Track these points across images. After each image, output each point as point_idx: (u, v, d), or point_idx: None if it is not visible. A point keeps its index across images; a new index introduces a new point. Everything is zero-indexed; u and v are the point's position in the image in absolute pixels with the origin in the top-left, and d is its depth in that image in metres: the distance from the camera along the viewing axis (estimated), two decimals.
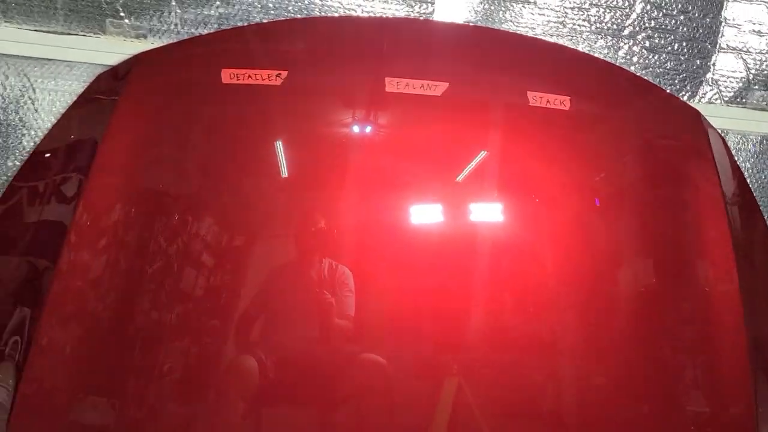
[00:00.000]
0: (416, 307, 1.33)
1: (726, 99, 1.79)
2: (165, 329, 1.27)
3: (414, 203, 1.41)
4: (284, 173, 1.39)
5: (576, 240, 1.42)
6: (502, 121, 1.48)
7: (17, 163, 1.45)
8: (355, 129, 1.46)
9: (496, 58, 1.53)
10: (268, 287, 1.33)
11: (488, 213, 1.42)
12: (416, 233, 1.40)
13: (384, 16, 1.63)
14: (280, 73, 1.42)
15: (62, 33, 1.48)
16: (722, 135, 1.55)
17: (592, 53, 1.65)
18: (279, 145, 1.43)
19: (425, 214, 1.43)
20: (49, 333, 1.27)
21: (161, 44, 1.49)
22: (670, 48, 1.71)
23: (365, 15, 1.62)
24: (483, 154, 1.45)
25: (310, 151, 1.44)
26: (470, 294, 1.35)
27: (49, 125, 1.45)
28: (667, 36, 1.70)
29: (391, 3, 1.63)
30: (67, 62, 1.48)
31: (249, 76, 1.41)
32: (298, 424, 1.27)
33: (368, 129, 1.45)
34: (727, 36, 1.74)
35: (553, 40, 1.69)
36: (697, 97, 1.76)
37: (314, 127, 1.45)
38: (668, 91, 1.68)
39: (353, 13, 1.61)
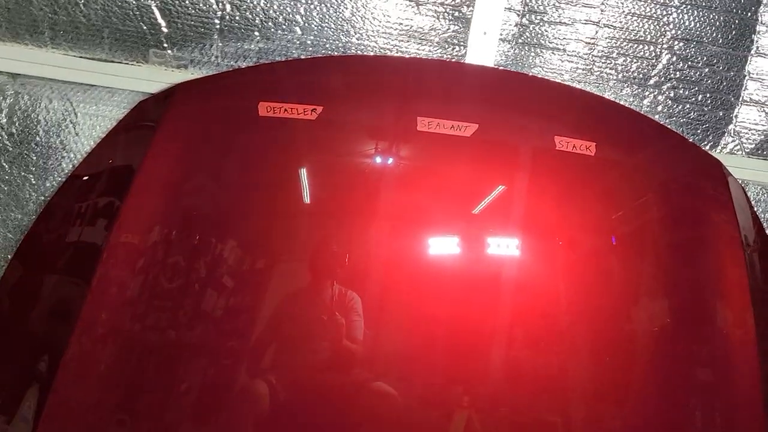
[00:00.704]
0: (430, 339, 1.35)
1: (747, 150, 1.82)
2: (184, 351, 1.30)
3: (433, 236, 1.43)
4: (308, 202, 1.43)
5: (594, 282, 1.44)
6: (528, 164, 1.52)
7: (55, 185, 1.48)
8: (383, 164, 1.49)
9: (524, 102, 1.57)
10: (286, 312, 1.36)
11: (505, 249, 1.45)
12: (435, 267, 1.42)
13: (418, 57, 1.68)
14: (315, 108, 1.46)
15: (106, 60, 1.52)
16: (742, 185, 1.58)
17: (618, 101, 1.68)
18: (306, 176, 1.47)
19: (444, 248, 1.45)
20: (79, 351, 1.30)
21: (202, 75, 1.54)
22: (693, 99, 1.75)
23: (400, 56, 1.67)
24: (502, 191, 1.48)
25: (336, 183, 1.47)
26: (484, 329, 1.37)
27: (88, 149, 1.49)
28: (691, 87, 1.74)
29: (425, 45, 1.68)
30: (109, 89, 1.52)
31: (285, 110, 1.45)
32: None
33: (395, 165, 1.48)
34: (750, 89, 1.78)
35: (580, 87, 1.73)
36: (719, 148, 1.79)
37: (343, 161, 1.49)
38: (691, 140, 1.71)
39: (388, 53, 1.66)
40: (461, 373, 1.33)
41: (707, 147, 1.77)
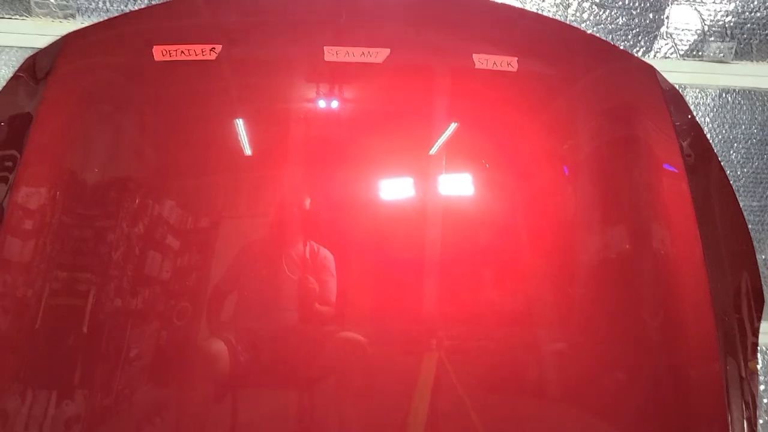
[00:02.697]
0: (391, 285, 1.31)
1: (682, 53, 1.74)
2: (126, 315, 1.25)
3: (379, 179, 1.37)
4: (238, 150, 1.36)
5: (534, 206, 1.39)
6: (447, 86, 1.45)
7: None
8: (294, 102, 1.42)
9: (437, 21, 1.49)
10: (233, 270, 1.31)
11: (454, 183, 1.39)
12: (384, 210, 1.37)
13: None
14: (214, 48, 1.38)
15: None
16: (680, 90, 1.52)
17: (540, 12, 1.60)
18: (217, 122, 1.39)
19: (392, 190, 1.40)
20: None
21: (90, 23, 1.45)
22: (621, 2, 1.66)
23: None
24: (447, 124, 1.41)
25: (253, 128, 1.40)
26: (442, 268, 1.33)
27: None
28: None
29: None
30: None
31: (182, 52, 1.37)
32: (276, 405, 1.25)
33: (306, 101, 1.41)
34: None
35: (497, 0, 1.64)
36: (652, 52, 1.71)
37: (250, 102, 1.41)
38: (621, 47, 1.64)
39: None
40: (428, 316, 1.29)
41: (640, 53, 1.69)
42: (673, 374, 1.31)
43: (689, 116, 1.50)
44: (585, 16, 1.62)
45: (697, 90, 1.78)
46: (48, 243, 1.27)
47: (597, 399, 1.30)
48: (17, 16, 1.45)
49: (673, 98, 1.51)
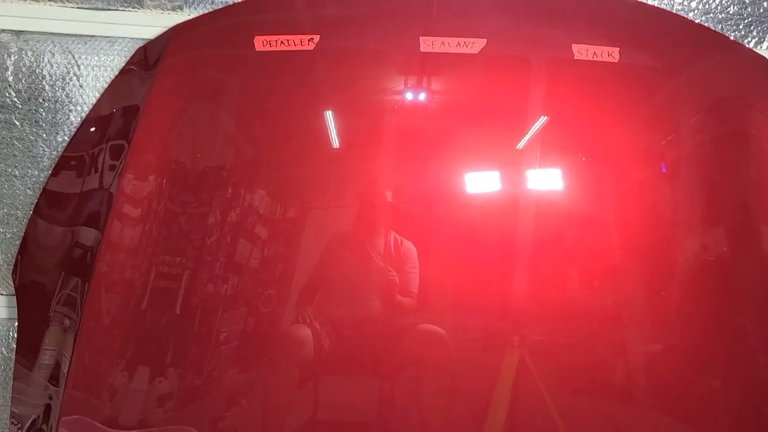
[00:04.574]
0: (477, 279, 1.30)
1: None
2: (219, 298, 1.30)
3: (470, 172, 1.37)
4: (329, 141, 1.39)
5: (640, 206, 1.35)
6: (544, 77, 1.42)
7: (66, 138, 1.50)
8: (391, 94, 1.43)
9: (535, 10, 1.46)
10: (320, 259, 1.33)
11: (549, 178, 1.37)
12: (474, 203, 1.36)
13: None
14: (312, 38, 1.40)
15: (102, 9, 1.51)
16: None
17: (645, 1, 1.54)
18: (314, 113, 1.42)
19: (483, 183, 1.39)
20: (100, 301, 1.33)
21: (196, 14, 1.50)
22: None
23: None
24: (542, 117, 1.39)
25: (346, 118, 1.42)
26: (532, 263, 1.31)
27: (94, 100, 1.49)
28: None
29: None
30: (108, 38, 1.51)
31: (281, 42, 1.41)
32: (353, 395, 1.27)
33: (405, 93, 1.41)
34: None
35: None
36: (766, 43, 1.61)
37: (347, 93, 1.43)
38: (732, 38, 1.55)
39: None
40: (513, 312, 1.28)
41: (751, 44, 1.59)
42: None
43: None
44: (693, 4, 1.54)
45: None
46: (152, 228, 1.34)
47: (689, 407, 1.25)
48: (129, 8, 1.52)
49: None
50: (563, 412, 1.24)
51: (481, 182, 1.38)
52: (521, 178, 1.35)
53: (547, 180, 1.36)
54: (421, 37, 1.41)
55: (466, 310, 1.31)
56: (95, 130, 1.44)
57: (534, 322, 1.29)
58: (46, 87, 1.49)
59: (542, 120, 1.37)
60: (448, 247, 1.35)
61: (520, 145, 1.36)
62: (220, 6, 1.51)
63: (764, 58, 1.47)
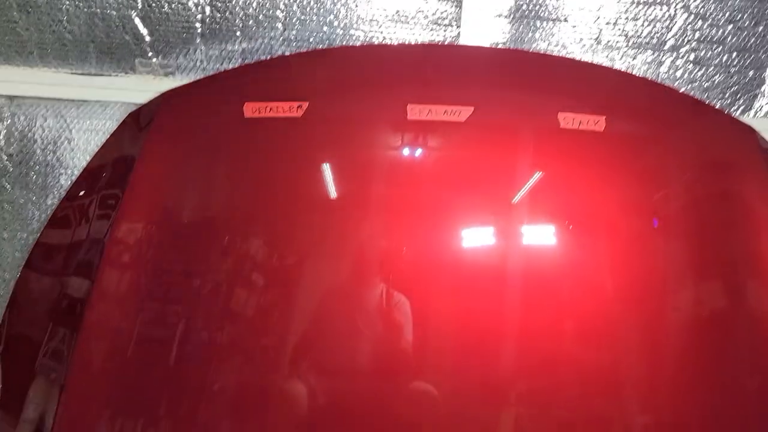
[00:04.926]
0: (471, 335, 1.29)
1: None
2: (210, 350, 1.29)
3: (459, 234, 1.37)
4: (319, 201, 1.39)
5: (631, 266, 1.35)
6: (530, 145, 1.43)
7: (56, 201, 1.51)
8: (377, 157, 1.44)
9: (522, 79, 1.48)
10: (314, 313, 1.33)
11: (539, 240, 1.37)
12: (465, 264, 1.36)
13: (404, 43, 1.62)
14: (300, 105, 1.42)
15: (95, 74, 1.54)
16: None
17: (630, 71, 1.56)
18: (297, 175, 1.43)
19: (473, 244, 1.39)
20: (89, 352, 1.32)
21: (188, 80, 1.53)
22: (718, 60, 1.60)
23: (387, 42, 1.61)
24: (529, 183, 1.40)
25: (336, 181, 1.43)
26: (525, 322, 1.30)
27: (84, 163, 1.51)
28: (714, 47, 1.59)
29: (415, 29, 1.61)
30: (101, 102, 1.54)
31: (270, 109, 1.42)
32: None
33: (392, 157, 1.43)
34: None
35: (588, 58, 1.62)
36: (752, 112, 1.63)
37: (333, 158, 1.44)
38: (718, 106, 1.57)
39: (375, 41, 1.60)
40: (509, 371, 1.27)
41: (738, 112, 1.62)
42: None
43: None
44: (678, 74, 1.57)
45: None
46: (143, 278, 1.34)
47: None
48: (122, 74, 1.55)
49: None
50: None
51: (471, 244, 1.38)
52: (511, 240, 1.35)
53: (536, 242, 1.36)
54: (408, 105, 1.43)
55: (459, 368, 1.30)
56: (89, 183, 1.46)
57: (528, 380, 1.28)
58: (38, 151, 1.51)
59: (529, 186, 1.38)
60: (441, 305, 1.34)
61: (509, 208, 1.36)
62: (212, 72, 1.53)
63: (750, 126, 1.48)
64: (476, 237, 1.39)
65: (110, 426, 1.26)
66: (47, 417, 1.29)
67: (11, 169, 1.50)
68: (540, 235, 1.38)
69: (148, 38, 1.54)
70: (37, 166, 1.51)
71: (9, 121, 1.50)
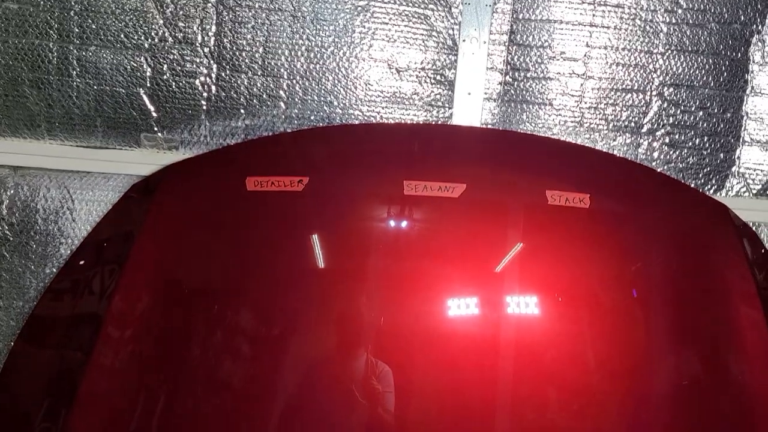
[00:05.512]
0: (455, 406, 1.31)
1: (755, 191, 1.76)
2: (203, 423, 1.29)
3: (448, 305, 1.41)
4: (315, 271, 1.43)
5: (609, 337, 1.40)
6: (520, 221, 1.50)
7: (54, 271, 1.52)
8: (374, 230, 1.49)
9: (512, 158, 1.56)
10: (302, 382, 1.34)
11: (524, 311, 1.42)
12: (451, 335, 1.39)
13: (402, 122, 1.70)
14: (301, 179, 1.48)
15: (101, 147, 1.58)
16: (753, 227, 1.52)
17: (611, 151, 1.66)
18: (300, 248, 1.47)
19: (460, 316, 1.43)
20: (82, 426, 1.30)
21: (191, 155, 1.58)
22: (691, 143, 1.71)
23: (385, 122, 1.69)
24: (515, 255, 1.46)
25: (332, 253, 1.47)
26: (509, 392, 1.33)
27: (85, 233, 1.53)
28: (687, 131, 1.71)
29: (410, 109, 1.70)
30: (104, 174, 1.58)
31: (272, 183, 1.47)
32: None
33: (388, 230, 1.48)
34: (750, 129, 1.73)
35: (571, 139, 1.72)
36: (724, 191, 1.74)
37: (333, 231, 1.49)
38: (693, 185, 1.67)
39: (373, 121, 1.68)
40: None
41: (711, 191, 1.72)
42: None
43: (763, 251, 1.50)
44: (655, 155, 1.67)
45: None
46: (139, 351, 1.34)
47: None
48: (127, 147, 1.59)
49: (746, 235, 1.52)
50: None
51: (458, 313, 1.42)
52: (497, 311, 1.39)
53: (522, 312, 1.41)
54: (404, 181, 1.49)
55: None
56: (89, 255, 1.46)
57: None
58: (39, 221, 1.53)
59: (517, 258, 1.44)
60: (430, 378, 1.37)
61: (498, 282, 1.41)
62: (215, 147, 1.59)
63: (723, 204, 1.57)
64: (468, 307, 1.43)
65: None
66: None
67: (11, 239, 1.51)
68: (526, 306, 1.43)
69: (154, 114, 1.60)
70: (38, 236, 1.53)
71: (12, 191, 1.52)
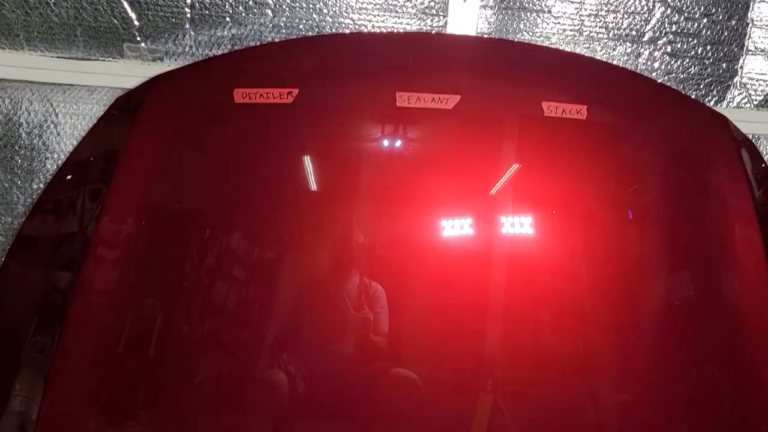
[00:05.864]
0: (449, 325, 1.32)
1: (756, 103, 1.72)
2: (193, 342, 1.30)
3: (442, 220, 1.40)
4: (306, 188, 1.41)
5: (604, 254, 1.39)
6: (515, 133, 1.46)
7: (41, 186, 1.50)
8: (365, 146, 1.46)
9: (508, 69, 1.51)
10: (294, 303, 1.35)
11: (519, 227, 1.41)
12: (446, 249, 1.39)
13: (394, 31, 1.64)
14: (291, 91, 1.43)
15: (82, 58, 1.53)
16: (753, 140, 1.49)
17: (611, 61, 1.61)
18: (291, 161, 1.44)
19: (454, 231, 1.42)
20: (73, 345, 1.31)
21: (177, 66, 1.53)
22: (693, 52, 1.66)
23: (376, 31, 1.63)
24: (514, 170, 1.43)
25: (324, 167, 1.45)
26: (503, 309, 1.33)
27: (71, 148, 1.50)
28: (690, 40, 1.65)
29: (403, 17, 1.64)
30: (87, 87, 1.53)
31: (260, 95, 1.43)
32: None
33: (380, 144, 1.45)
34: (755, 38, 1.67)
35: (569, 49, 1.66)
36: (725, 102, 1.70)
37: (324, 145, 1.46)
38: (693, 96, 1.63)
39: (365, 29, 1.62)
40: (484, 356, 1.30)
41: (712, 103, 1.68)
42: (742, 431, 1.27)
43: (763, 165, 1.48)
44: (656, 65, 1.62)
45: None
46: (127, 271, 1.34)
47: None
48: (110, 59, 1.54)
49: (746, 148, 1.49)
50: None
51: (452, 230, 1.41)
52: (492, 227, 1.38)
53: (517, 229, 1.40)
54: (397, 93, 1.45)
55: (438, 354, 1.32)
56: (74, 174, 1.44)
57: (506, 366, 1.31)
58: (23, 135, 1.49)
59: (512, 172, 1.41)
60: (420, 293, 1.37)
61: (492, 196, 1.39)
62: (200, 59, 1.53)
63: (724, 116, 1.54)
64: (459, 224, 1.41)
65: (95, 417, 1.26)
66: (32, 409, 1.29)
67: None
68: (520, 220, 1.41)
69: (136, 23, 1.54)
70: (23, 150, 1.50)
71: None
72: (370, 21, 1.63)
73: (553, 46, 1.66)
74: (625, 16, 1.64)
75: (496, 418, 1.26)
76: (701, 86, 1.66)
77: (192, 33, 1.56)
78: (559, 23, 1.67)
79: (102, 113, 1.49)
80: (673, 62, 1.63)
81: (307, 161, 1.44)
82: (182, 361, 1.28)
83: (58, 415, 1.25)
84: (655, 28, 1.64)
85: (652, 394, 1.30)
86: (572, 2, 1.66)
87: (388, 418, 1.28)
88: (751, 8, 1.66)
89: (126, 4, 1.53)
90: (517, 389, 1.29)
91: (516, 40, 1.67)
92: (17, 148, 1.49)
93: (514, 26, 1.66)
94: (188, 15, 1.55)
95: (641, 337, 1.35)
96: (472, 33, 1.65)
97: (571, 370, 1.31)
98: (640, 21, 1.64)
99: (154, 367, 1.28)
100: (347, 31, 1.62)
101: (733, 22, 1.66)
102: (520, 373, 1.30)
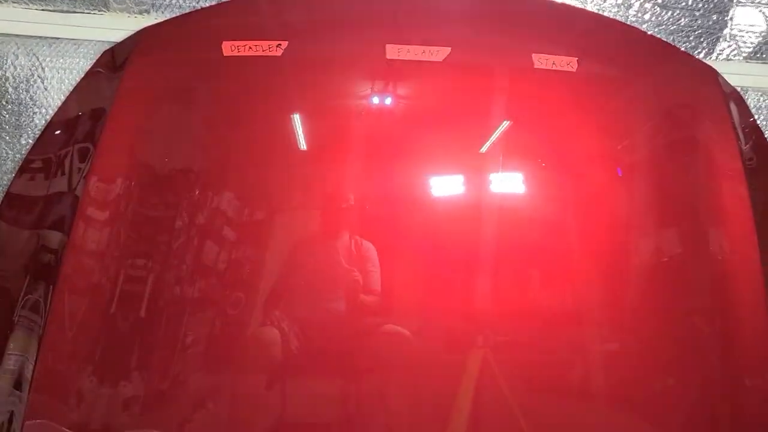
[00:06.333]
0: (439, 280, 1.33)
1: (745, 55, 1.72)
2: (185, 301, 1.30)
3: (432, 175, 1.40)
4: (296, 145, 1.40)
5: (592, 209, 1.40)
6: (505, 85, 1.46)
7: (30, 141, 1.49)
8: (357, 98, 1.45)
9: (498, 20, 1.50)
10: (286, 261, 1.35)
11: (509, 181, 1.41)
12: (436, 206, 1.39)
13: None
14: (280, 44, 1.42)
15: (67, 11, 1.51)
16: (741, 93, 1.50)
17: (601, 12, 1.60)
18: (281, 117, 1.44)
19: (444, 187, 1.42)
20: (65, 304, 1.32)
21: (164, 19, 1.51)
22: (684, 4, 1.65)
23: None
24: (504, 123, 1.43)
25: (312, 122, 1.44)
26: (493, 264, 1.34)
27: (59, 102, 1.48)
28: None
29: None
30: (73, 40, 1.51)
31: (249, 48, 1.42)
32: (321, 396, 1.28)
33: (370, 98, 1.44)
34: None
35: (558, 0, 1.65)
36: (714, 55, 1.70)
37: (314, 98, 1.45)
38: (683, 49, 1.63)
39: None
40: (474, 312, 1.31)
41: (701, 55, 1.67)
42: (727, 383, 1.30)
43: (751, 119, 1.48)
44: (647, 17, 1.61)
45: (760, 93, 1.75)
46: (118, 231, 1.33)
47: (646, 404, 1.29)
48: (95, 11, 1.52)
49: (734, 101, 1.49)
50: (526, 410, 1.27)
51: (442, 185, 1.41)
52: (482, 182, 1.38)
53: (507, 184, 1.40)
54: (387, 45, 1.44)
55: (428, 310, 1.33)
56: (61, 133, 1.43)
57: (496, 322, 1.32)
58: (10, 89, 1.48)
59: (503, 126, 1.41)
60: (412, 249, 1.37)
61: (482, 150, 1.39)
62: (188, 10, 1.51)
63: (713, 68, 1.54)
64: (449, 179, 1.42)
65: (89, 375, 1.27)
66: (27, 368, 1.30)
67: None
68: (510, 178, 1.41)
69: None
70: (10, 105, 1.48)
71: None
72: None
73: None
74: None
75: (487, 372, 1.28)
76: (691, 38, 1.65)
77: None
78: None
79: (88, 68, 1.48)
80: (663, 13, 1.62)
81: (298, 115, 1.43)
82: (175, 320, 1.29)
83: (53, 373, 1.26)
84: None
85: (640, 346, 1.32)
86: None
87: (380, 374, 1.30)
88: None
89: None
90: (508, 342, 1.31)
91: None
92: (4, 103, 1.48)
93: None
94: None
95: (629, 290, 1.36)
96: None
97: (561, 324, 1.32)
98: None
99: (147, 326, 1.29)
100: None
101: None
102: (510, 328, 1.31)
